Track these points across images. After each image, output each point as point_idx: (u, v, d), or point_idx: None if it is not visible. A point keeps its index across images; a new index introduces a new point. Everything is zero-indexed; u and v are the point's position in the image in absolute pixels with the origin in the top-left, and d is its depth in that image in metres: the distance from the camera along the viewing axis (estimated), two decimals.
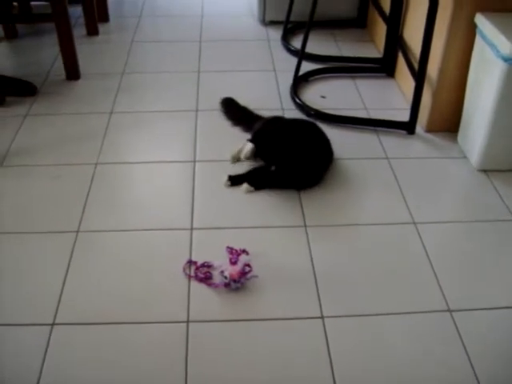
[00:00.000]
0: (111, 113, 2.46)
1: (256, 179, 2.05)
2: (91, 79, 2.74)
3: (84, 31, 3.17)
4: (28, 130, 2.35)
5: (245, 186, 2.02)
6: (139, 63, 2.91)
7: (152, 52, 3.02)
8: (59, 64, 2.76)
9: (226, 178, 2.05)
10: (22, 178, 2.08)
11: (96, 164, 2.14)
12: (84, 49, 2.94)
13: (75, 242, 1.80)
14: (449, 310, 1.60)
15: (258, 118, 2.30)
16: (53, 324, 1.54)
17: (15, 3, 3.12)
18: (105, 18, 3.33)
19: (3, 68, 2.63)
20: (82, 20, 3.19)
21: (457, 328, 1.54)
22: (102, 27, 3.24)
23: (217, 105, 2.43)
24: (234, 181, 2.05)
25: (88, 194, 1.99)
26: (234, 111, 2.39)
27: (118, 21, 3.39)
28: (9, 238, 1.82)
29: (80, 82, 2.72)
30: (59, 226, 1.86)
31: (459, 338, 1.52)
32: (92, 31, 3.18)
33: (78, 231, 1.84)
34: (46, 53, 2.97)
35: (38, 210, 1.94)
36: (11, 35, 3.13)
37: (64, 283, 1.66)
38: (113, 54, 2.99)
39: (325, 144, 2.14)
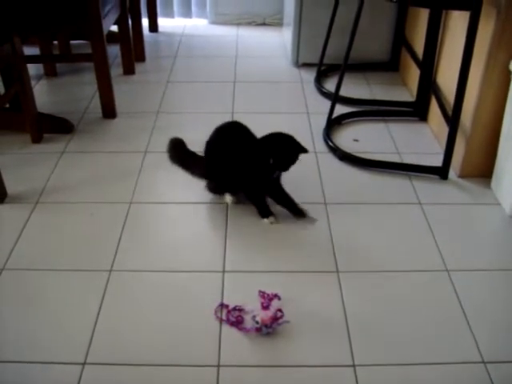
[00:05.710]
0: (146, 152, 2.50)
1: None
2: (127, 118, 2.79)
3: (121, 70, 3.24)
4: (64, 167, 2.39)
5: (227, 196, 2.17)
6: (174, 103, 2.95)
7: (187, 92, 3.07)
8: (96, 102, 2.82)
9: (266, 219, 2.09)
10: (56, 215, 2.11)
11: (130, 203, 2.17)
12: (120, 88, 3.00)
13: (108, 281, 1.81)
14: (483, 362, 1.56)
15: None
16: (84, 363, 1.54)
17: (55, 42, 3.23)
18: (141, 57, 3.41)
19: (42, 105, 2.69)
20: (119, 59, 3.27)
21: (491, 381, 1.51)
22: (138, 67, 3.32)
23: None
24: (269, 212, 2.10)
25: (121, 233, 2.01)
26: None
27: (154, 61, 3.46)
28: (42, 275, 1.84)
29: (116, 120, 2.77)
30: (92, 264, 1.88)
31: None
32: (129, 70, 3.25)
33: (111, 270, 1.85)
34: (83, 91, 3.04)
35: (71, 247, 1.96)
36: (51, 73, 3.21)
37: (96, 322, 1.66)
38: (148, 94, 3.05)
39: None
